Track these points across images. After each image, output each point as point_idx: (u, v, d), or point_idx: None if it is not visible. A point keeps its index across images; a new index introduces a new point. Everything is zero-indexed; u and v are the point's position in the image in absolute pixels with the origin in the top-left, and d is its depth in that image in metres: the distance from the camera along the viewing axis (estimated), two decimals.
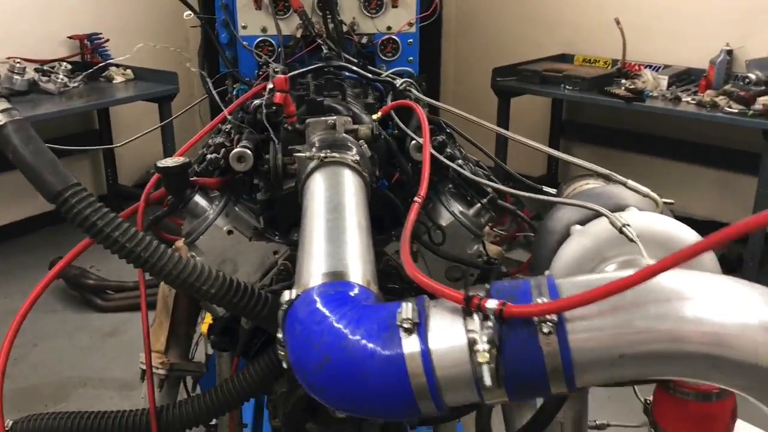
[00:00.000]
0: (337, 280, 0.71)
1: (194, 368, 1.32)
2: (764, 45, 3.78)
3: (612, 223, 0.78)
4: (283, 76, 1.13)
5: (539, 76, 3.98)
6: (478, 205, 1.23)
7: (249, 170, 1.19)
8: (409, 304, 0.61)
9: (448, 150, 1.25)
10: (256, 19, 1.91)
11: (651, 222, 0.83)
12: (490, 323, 0.57)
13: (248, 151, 1.17)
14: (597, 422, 1.14)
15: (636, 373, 0.59)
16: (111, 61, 4.11)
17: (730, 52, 3.83)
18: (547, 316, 0.57)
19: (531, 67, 4.13)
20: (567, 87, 3.86)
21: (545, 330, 0.57)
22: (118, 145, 1.85)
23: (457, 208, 1.24)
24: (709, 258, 0.83)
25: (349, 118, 1.14)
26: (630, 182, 0.92)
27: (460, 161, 1.23)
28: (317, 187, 0.94)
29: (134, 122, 4.19)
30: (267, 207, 1.20)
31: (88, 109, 4.09)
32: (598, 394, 1.24)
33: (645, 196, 0.91)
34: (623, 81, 3.89)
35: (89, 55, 4.16)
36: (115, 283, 3.48)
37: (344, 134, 1.10)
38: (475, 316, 0.58)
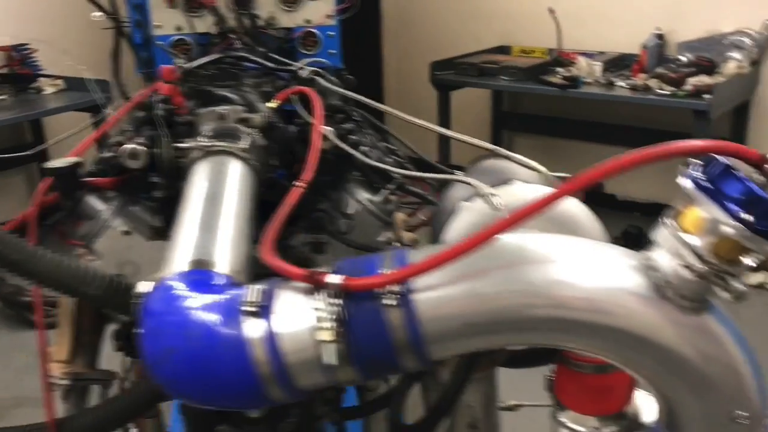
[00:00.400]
0: (199, 269, 0.67)
1: (102, 376, 1.27)
2: (694, 27, 3.86)
3: (477, 192, 0.76)
4: (169, 66, 1.09)
5: (476, 69, 3.99)
6: (386, 191, 1.21)
7: (145, 168, 1.15)
8: (256, 287, 0.58)
9: (353, 137, 1.23)
10: (170, 18, 1.86)
11: (531, 193, 0.82)
12: (336, 300, 0.55)
13: (141, 148, 1.13)
14: (508, 403, 1.13)
15: (490, 343, 0.57)
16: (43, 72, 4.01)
17: (661, 36, 3.90)
18: (391, 288, 0.54)
19: (469, 59, 4.14)
20: (503, 78, 3.88)
21: (389, 302, 0.54)
22: (35, 150, 1.78)
23: (364, 196, 1.22)
24: (593, 226, 0.82)
25: (242, 108, 1.11)
26: (515, 156, 0.90)
27: (364, 148, 1.21)
28: (198, 177, 0.91)
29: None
30: (166, 205, 1.16)
31: (16, 121, 3.95)
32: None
33: (531, 169, 0.89)
34: (559, 69, 3.92)
35: (17, 67, 4.03)
36: (53, 299, 3.36)
37: (235, 124, 1.07)
38: (321, 294, 0.55)
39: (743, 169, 0.53)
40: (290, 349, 0.56)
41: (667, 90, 3.45)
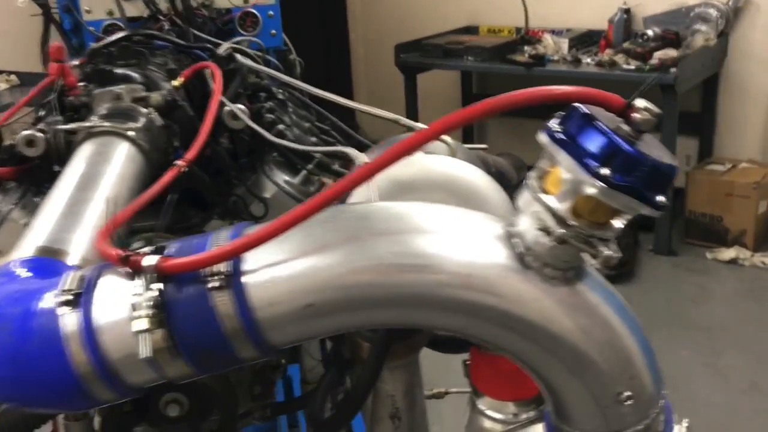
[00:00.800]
0: (43, 257, 0.61)
1: None
2: (661, 0, 3.80)
3: (354, 161, 0.70)
4: (58, 44, 1.02)
5: (442, 50, 3.92)
6: (304, 172, 1.14)
7: (47, 155, 1.08)
8: (74, 273, 0.52)
9: (271, 116, 1.17)
10: (100, 3, 1.79)
11: (429, 163, 0.76)
12: (156, 285, 0.48)
13: (38, 134, 1.05)
14: (434, 391, 1.07)
15: (338, 325, 0.51)
16: None
17: (627, 11, 3.84)
18: (217, 269, 0.48)
19: (434, 41, 4.06)
20: (469, 58, 3.81)
21: (215, 285, 0.48)
22: None
23: (281, 177, 1.15)
24: (499, 199, 0.76)
25: (140, 86, 1.04)
26: (419, 126, 0.85)
27: (281, 127, 1.14)
28: (77, 159, 0.85)
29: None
30: None
31: None
32: None
33: (438, 140, 0.83)
34: (526, 48, 3.85)
35: None
36: None
37: (131, 103, 1.00)
38: (140, 278, 0.49)
39: (610, 119, 0.47)
40: (110, 343, 0.49)
41: (633, 65, 3.40)
